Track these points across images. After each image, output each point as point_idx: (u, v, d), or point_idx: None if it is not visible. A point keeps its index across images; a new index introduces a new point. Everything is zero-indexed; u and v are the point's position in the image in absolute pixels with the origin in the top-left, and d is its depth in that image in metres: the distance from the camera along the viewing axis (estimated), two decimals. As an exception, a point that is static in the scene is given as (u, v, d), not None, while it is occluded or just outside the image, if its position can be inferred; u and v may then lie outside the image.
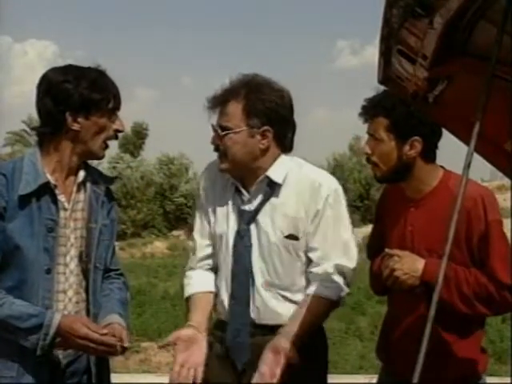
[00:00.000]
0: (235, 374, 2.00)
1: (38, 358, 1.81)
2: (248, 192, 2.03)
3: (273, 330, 1.97)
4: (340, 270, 2.00)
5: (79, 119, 1.87)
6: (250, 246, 1.99)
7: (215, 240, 2.08)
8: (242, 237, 2.00)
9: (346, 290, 2.03)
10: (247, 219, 2.00)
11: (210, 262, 2.14)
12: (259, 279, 1.99)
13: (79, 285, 1.92)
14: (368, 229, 2.15)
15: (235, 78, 2.01)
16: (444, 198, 1.94)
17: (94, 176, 2.01)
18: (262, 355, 1.86)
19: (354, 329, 6.83)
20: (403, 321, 2.04)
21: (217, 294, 2.09)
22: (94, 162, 2.11)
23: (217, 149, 2.01)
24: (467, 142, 1.38)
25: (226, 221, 2.05)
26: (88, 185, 1.97)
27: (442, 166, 2.06)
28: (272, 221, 1.99)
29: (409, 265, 1.92)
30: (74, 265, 1.91)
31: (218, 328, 2.07)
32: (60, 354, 1.89)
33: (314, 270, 2.01)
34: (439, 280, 1.38)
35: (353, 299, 7.24)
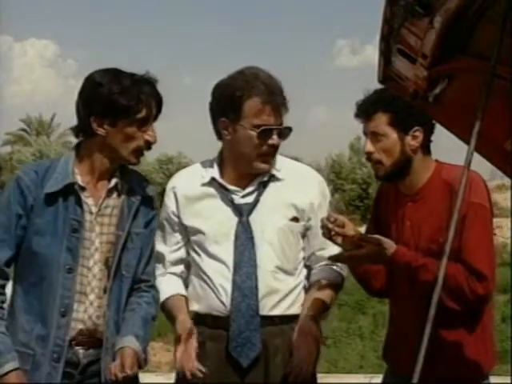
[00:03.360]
0: (238, 372, 1.97)
1: (55, 354, 1.82)
2: (243, 188, 2.04)
3: (271, 319, 1.99)
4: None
5: (105, 125, 1.85)
6: (253, 237, 2.00)
7: (198, 242, 2.05)
8: (246, 229, 2.01)
9: (345, 272, 2.13)
10: (247, 211, 2.02)
11: (177, 268, 2.13)
12: (269, 266, 2.00)
13: (102, 290, 1.89)
14: (368, 228, 2.16)
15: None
16: (438, 189, 1.95)
17: (132, 184, 1.96)
18: (293, 340, 1.92)
19: (354, 328, 6.81)
20: (406, 322, 2.02)
21: (191, 295, 2.07)
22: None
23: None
24: (467, 142, 1.38)
25: (214, 219, 2.03)
26: (123, 192, 1.94)
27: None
28: (275, 207, 2.03)
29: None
30: (97, 269, 1.88)
31: (210, 325, 2.02)
32: (81, 353, 1.87)
33: (320, 253, 2.08)
34: (439, 280, 1.38)
35: (353, 298, 7.21)
